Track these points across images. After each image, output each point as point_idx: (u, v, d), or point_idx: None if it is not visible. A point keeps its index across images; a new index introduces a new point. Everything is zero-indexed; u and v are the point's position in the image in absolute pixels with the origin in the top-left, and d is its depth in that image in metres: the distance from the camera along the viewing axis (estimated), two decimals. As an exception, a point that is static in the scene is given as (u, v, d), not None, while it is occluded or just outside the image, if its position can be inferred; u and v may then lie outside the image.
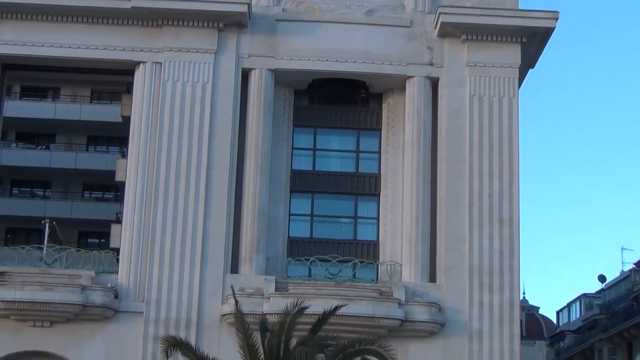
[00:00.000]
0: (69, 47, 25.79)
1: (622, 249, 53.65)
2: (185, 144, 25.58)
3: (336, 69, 26.66)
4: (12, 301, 23.09)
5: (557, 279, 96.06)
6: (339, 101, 28.44)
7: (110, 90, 34.63)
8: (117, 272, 25.20)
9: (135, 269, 24.96)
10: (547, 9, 26.75)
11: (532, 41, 26.40)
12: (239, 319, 17.40)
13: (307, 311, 18.32)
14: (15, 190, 36.88)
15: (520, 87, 27.42)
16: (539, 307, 50.45)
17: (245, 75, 26.44)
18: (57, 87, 36.55)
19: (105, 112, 34.64)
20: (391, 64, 26.30)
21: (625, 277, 48.38)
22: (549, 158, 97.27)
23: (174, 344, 17.26)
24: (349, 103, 28.53)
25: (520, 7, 27.25)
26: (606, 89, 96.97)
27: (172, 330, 23.03)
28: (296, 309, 17.82)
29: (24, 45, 25.67)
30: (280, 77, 26.92)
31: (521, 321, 28.05)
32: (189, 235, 24.97)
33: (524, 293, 36.74)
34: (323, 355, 16.97)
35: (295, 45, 26.81)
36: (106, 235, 29.44)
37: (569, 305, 55.27)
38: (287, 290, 24.20)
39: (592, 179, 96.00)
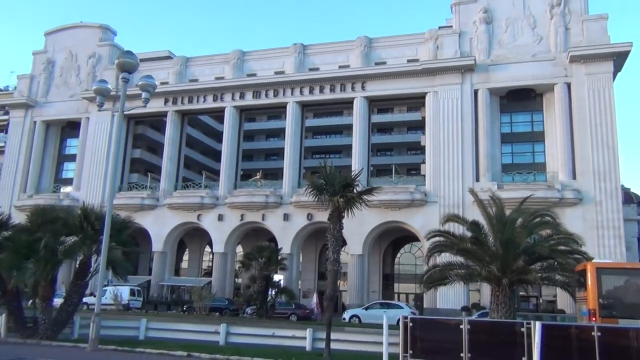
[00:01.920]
0: (398, 90, 48.91)
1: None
2: (451, 127, 45.17)
3: (519, 84, 44.78)
4: (382, 200, 43.70)
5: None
6: (520, 98, 46.25)
7: (414, 105, 58.22)
8: (424, 184, 46.78)
9: (434, 182, 45.29)
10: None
11: (620, 56, 42.58)
12: (479, 202, 21.96)
13: (515, 196, 31.54)
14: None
15: (614, 81, 42.93)
16: (630, 188, 65.91)
17: (475, 92, 45.47)
18: (392, 107, 60.82)
19: (412, 117, 59.29)
20: (545, 78, 44.08)
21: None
22: None
23: (450, 217, 22.02)
24: (525, 99, 46.15)
25: (612, 35, 43.47)
26: None
27: (451, 210, 38.96)
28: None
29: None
30: (492, 91, 45.42)
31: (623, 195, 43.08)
32: (457, 165, 44.58)
33: (622, 183, 44.15)
34: (521, 219, 20.40)
35: (498, 75, 45.23)
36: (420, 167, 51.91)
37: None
38: (503, 189, 40.36)
39: None
